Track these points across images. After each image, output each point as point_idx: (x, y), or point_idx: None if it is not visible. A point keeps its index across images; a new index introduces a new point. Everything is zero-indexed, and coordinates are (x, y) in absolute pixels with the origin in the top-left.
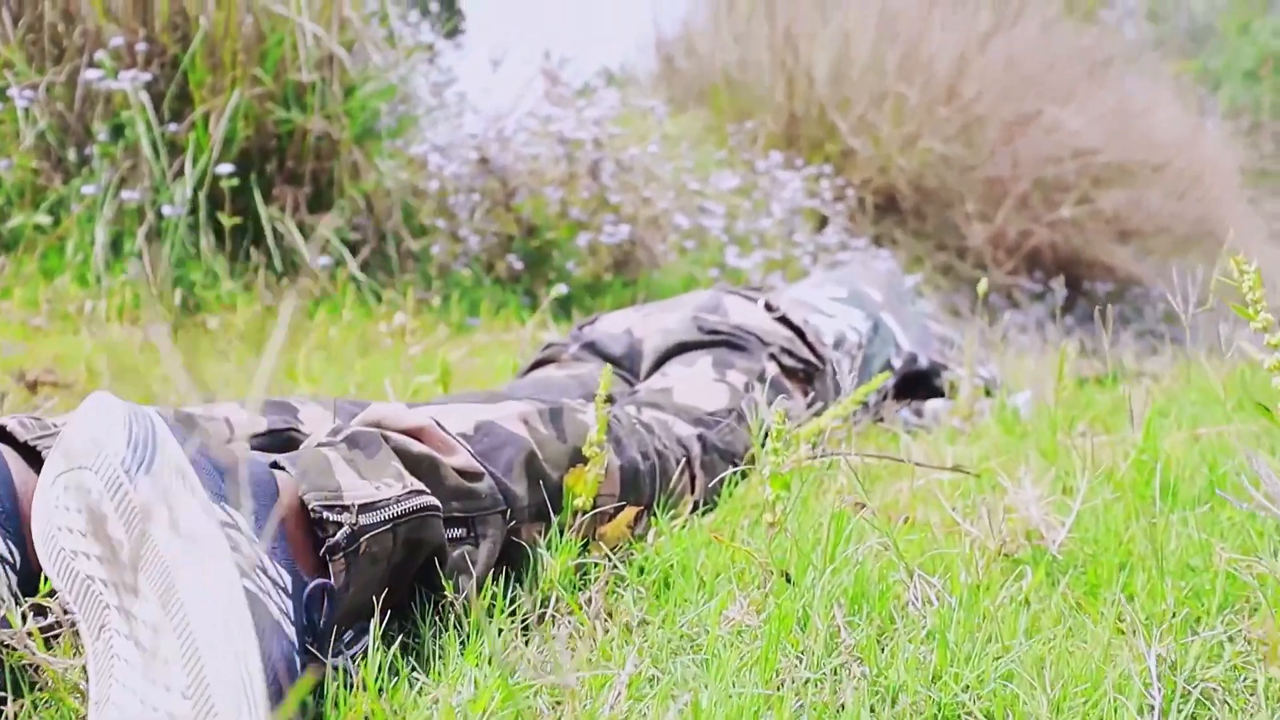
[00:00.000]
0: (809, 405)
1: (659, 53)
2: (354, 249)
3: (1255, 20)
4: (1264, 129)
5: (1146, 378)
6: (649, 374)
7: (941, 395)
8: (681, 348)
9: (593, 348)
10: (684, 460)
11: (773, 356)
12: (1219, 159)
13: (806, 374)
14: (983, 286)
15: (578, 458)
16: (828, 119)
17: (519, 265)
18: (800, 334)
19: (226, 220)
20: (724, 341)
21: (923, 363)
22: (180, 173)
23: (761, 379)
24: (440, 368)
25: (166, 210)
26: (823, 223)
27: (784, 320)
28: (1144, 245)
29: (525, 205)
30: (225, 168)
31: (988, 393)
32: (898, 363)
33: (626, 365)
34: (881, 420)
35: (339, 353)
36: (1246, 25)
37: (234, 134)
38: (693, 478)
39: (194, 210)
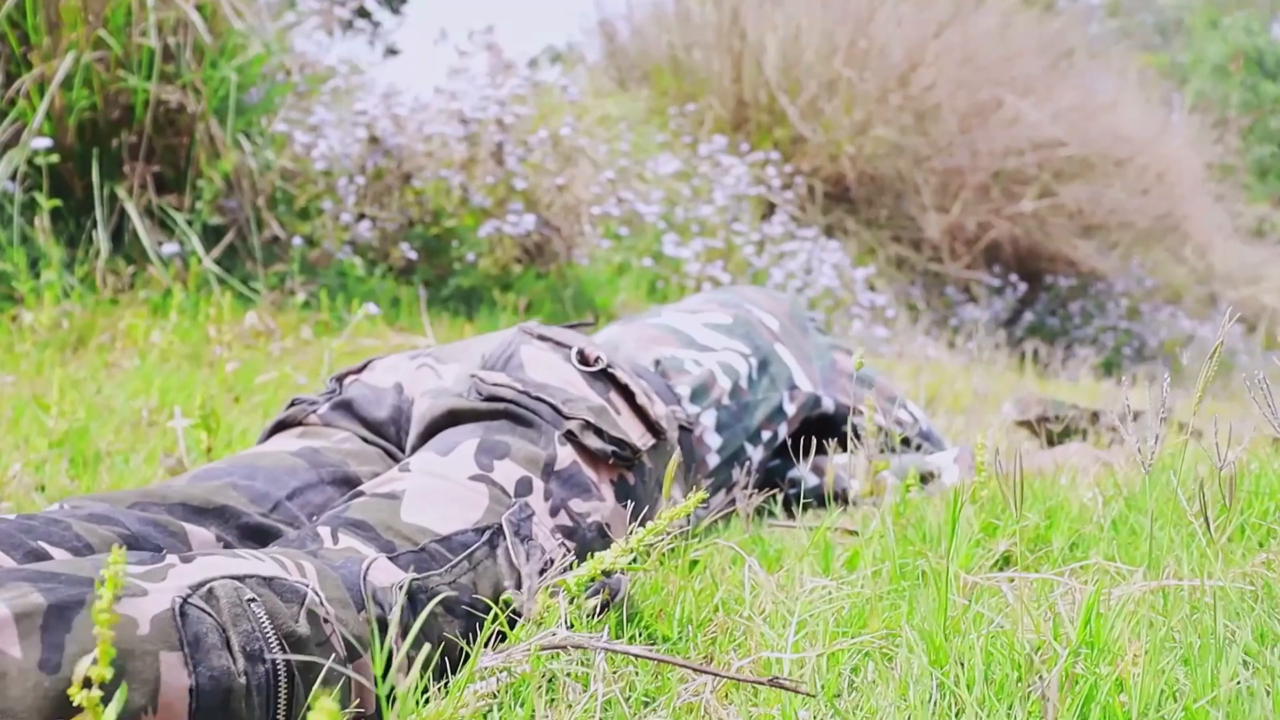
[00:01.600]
0: (627, 501)
1: (602, 31)
2: (218, 235)
3: (1225, 16)
4: (1230, 124)
5: (1106, 435)
6: (415, 449)
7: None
8: (452, 417)
9: (349, 409)
10: (354, 641)
11: (570, 436)
12: (1184, 154)
13: (624, 458)
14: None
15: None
16: (777, 104)
17: (413, 255)
18: (628, 395)
19: (44, 201)
20: (505, 412)
21: (827, 405)
22: (9, 145)
23: (549, 471)
24: (203, 416)
25: None
26: (769, 211)
27: (607, 376)
28: (1107, 239)
29: (425, 190)
30: (42, 142)
31: (905, 442)
32: (791, 408)
33: (392, 432)
34: (775, 488)
35: (148, 367)
36: (1216, 20)
37: (72, 103)
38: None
39: (32, 189)
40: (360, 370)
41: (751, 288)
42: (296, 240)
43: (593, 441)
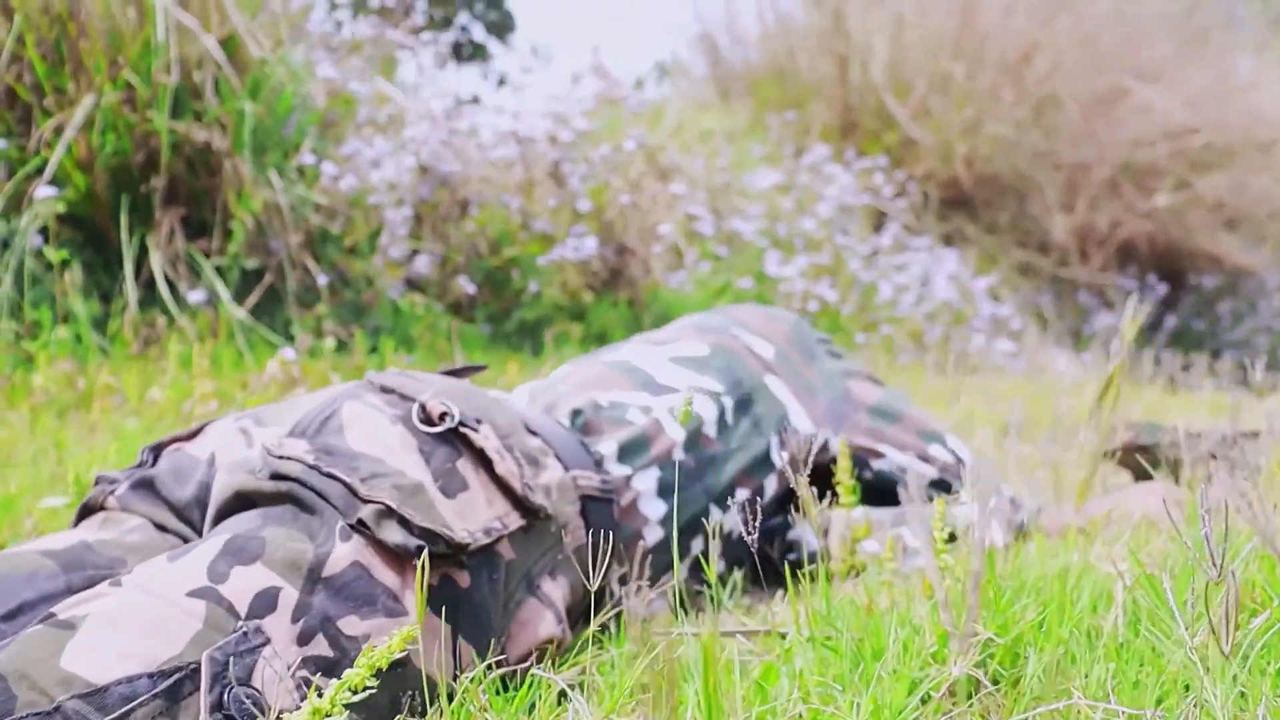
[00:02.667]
0: (455, 612)
1: (702, 43)
2: (257, 280)
3: None
4: None
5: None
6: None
7: (893, 495)
8: (239, 500)
9: (150, 488)
10: None
11: (361, 526)
12: None
13: (443, 554)
14: None
15: None
16: (885, 107)
17: (471, 288)
18: (486, 462)
19: (53, 255)
20: (289, 494)
21: (835, 448)
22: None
23: (314, 578)
24: (79, 492)
25: None
26: (879, 222)
27: (458, 437)
28: (1255, 232)
29: (483, 218)
30: (48, 190)
31: (940, 486)
32: (781, 456)
33: (197, 516)
34: (747, 562)
35: (127, 430)
36: None
37: (98, 148)
38: None
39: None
40: (190, 436)
41: (747, 308)
42: (322, 279)
43: (392, 534)
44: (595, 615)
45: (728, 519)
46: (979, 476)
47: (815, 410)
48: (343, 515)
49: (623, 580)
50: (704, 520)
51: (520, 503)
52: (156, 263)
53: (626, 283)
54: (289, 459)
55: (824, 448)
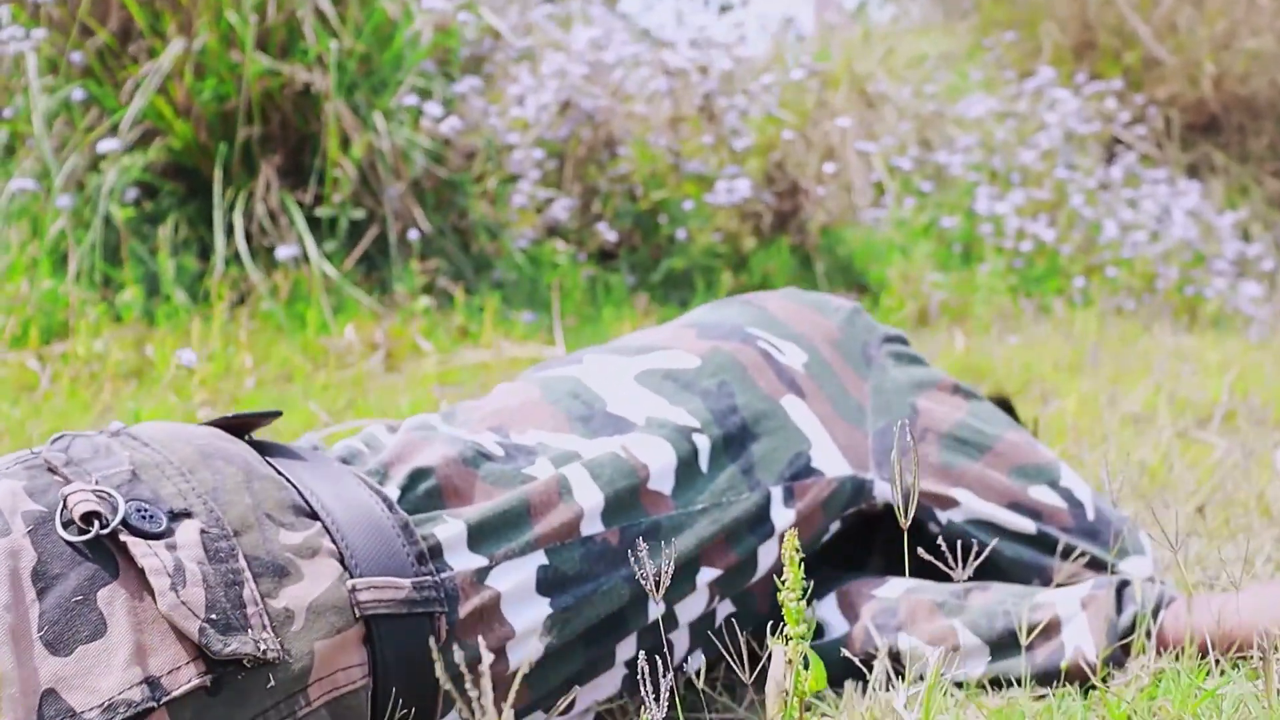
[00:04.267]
0: None
1: None
2: (359, 233)
3: None
4: None
5: None
6: None
7: (941, 562)
8: None
9: None
10: None
11: None
12: None
13: None
14: None
15: None
16: (1126, 24)
17: (612, 236)
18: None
19: (118, 212)
20: None
21: (882, 494)
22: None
23: None
24: None
25: (60, 202)
26: (1109, 153)
27: (118, 546)
28: None
29: (630, 158)
30: (110, 144)
31: (1041, 545)
32: (785, 512)
33: None
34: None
35: (148, 407)
36: None
37: (198, 92)
38: None
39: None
40: None
41: (785, 295)
42: (412, 232)
43: None
44: None
45: (692, 607)
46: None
47: (857, 442)
48: None
49: None
50: (620, 626)
51: (202, 649)
52: (238, 219)
53: (797, 227)
54: None
55: (859, 493)
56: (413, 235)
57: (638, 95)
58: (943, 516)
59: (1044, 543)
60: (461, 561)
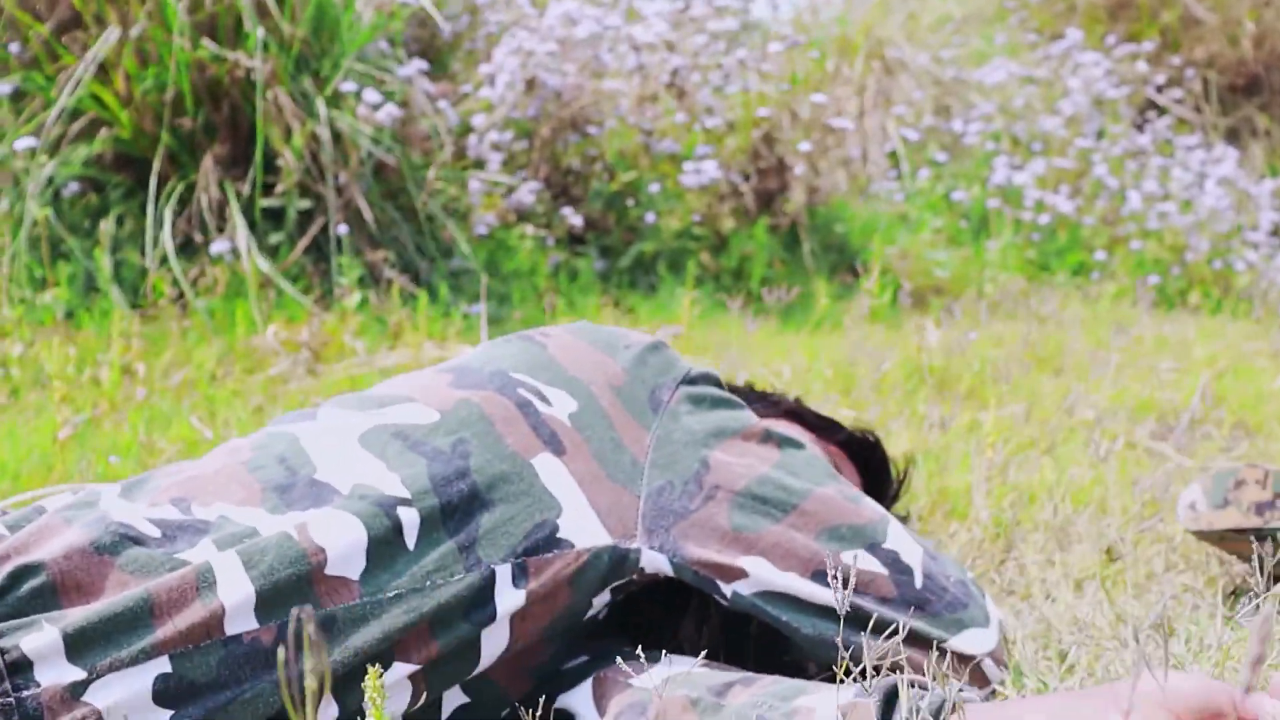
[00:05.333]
0: None
1: None
2: (308, 225)
3: None
4: None
5: None
6: None
7: (722, 647)
8: None
9: None
10: None
11: None
12: None
13: None
14: None
15: None
16: None
17: (577, 220)
18: None
19: (38, 212)
20: None
21: (652, 564)
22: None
23: None
24: None
25: None
26: (1140, 119)
27: None
28: None
29: (600, 139)
30: (25, 142)
31: (857, 624)
32: (513, 593)
33: None
34: None
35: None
36: None
37: (143, 79)
38: None
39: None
40: None
41: (572, 333)
42: (340, 229)
43: None
44: None
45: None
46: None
47: (624, 505)
48: None
49: None
50: None
51: None
52: (168, 214)
53: (783, 206)
54: None
55: (623, 564)
56: (342, 230)
57: (608, 72)
58: (727, 589)
59: (853, 617)
60: (53, 676)
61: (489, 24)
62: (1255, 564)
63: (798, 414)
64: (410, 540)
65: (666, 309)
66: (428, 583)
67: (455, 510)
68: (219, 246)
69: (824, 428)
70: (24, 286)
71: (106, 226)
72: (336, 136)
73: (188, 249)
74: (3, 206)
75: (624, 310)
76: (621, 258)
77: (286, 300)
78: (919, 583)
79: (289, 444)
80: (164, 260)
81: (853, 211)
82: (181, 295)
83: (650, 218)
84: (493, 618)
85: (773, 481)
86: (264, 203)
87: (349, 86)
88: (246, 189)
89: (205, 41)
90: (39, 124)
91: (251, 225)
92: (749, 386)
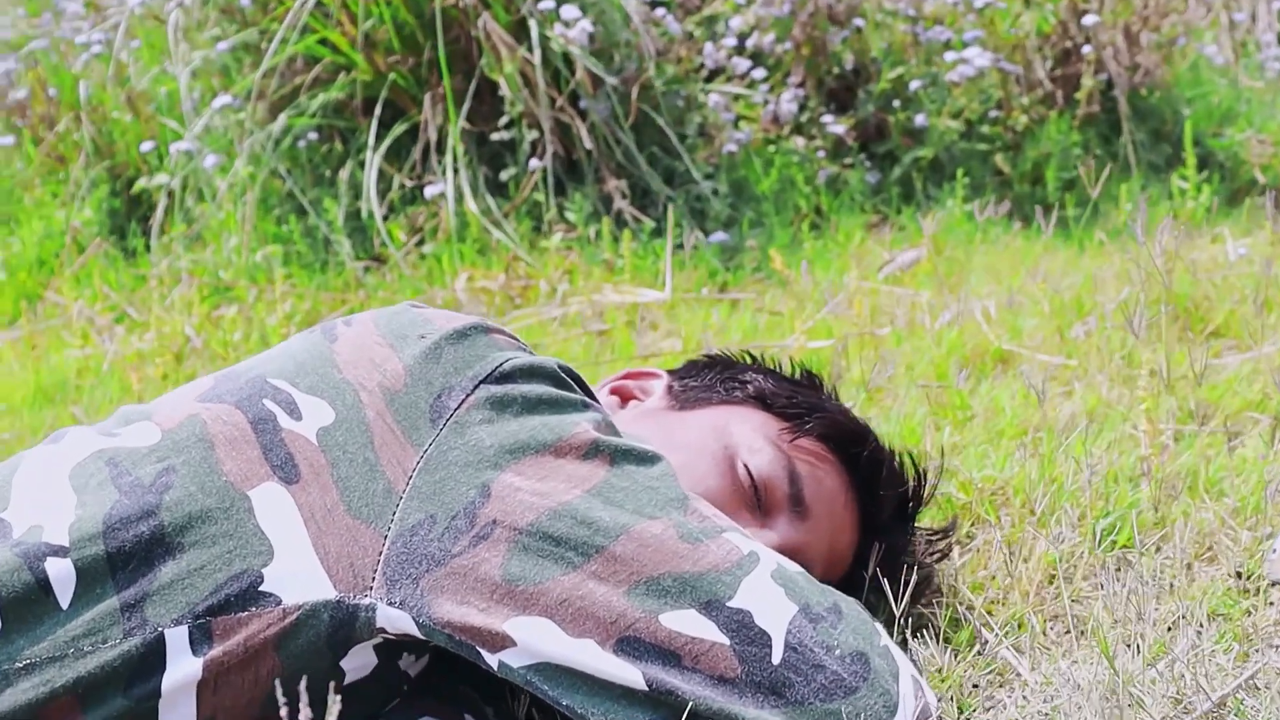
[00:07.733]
0: None
1: None
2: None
3: None
4: None
5: None
6: None
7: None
8: None
9: None
10: None
11: None
12: None
13: None
14: None
15: None
16: None
17: (839, 129)
18: None
19: (245, 170)
20: None
21: (392, 621)
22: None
23: None
24: None
25: (206, 162)
26: None
27: None
28: None
29: (865, 37)
30: (224, 99)
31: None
32: (190, 664)
33: None
34: None
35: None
36: None
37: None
38: None
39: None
40: None
41: (373, 320)
42: (535, 161)
43: None
44: None
45: None
46: None
47: (362, 548)
48: None
49: None
50: None
51: None
52: (369, 164)
53: (1099, 91)
54: None
55: (355, 623)
56: (534, 163)
57: None
58: (492, 659)
59: (668, 705)
60: None
61: None
62: None
63: (764, 399)
64: (64, 597)
65: (944, 225)
66: (71, 650)
67: (130, 559)
68: (432, 189)
69: (795, 416)
70: (253, 247)
71: (345, 174)
72: (550, 61)
73: (409, 195)
74: (241, 164)
75: (896, 229)
76: (895, 168)
77: (500, 245)
78: (778, 656)
79: (7, 474)
80: (393, 208)
81: (1211, 86)
82: (409, 240)
83: (921, 120)
84: (157, 693)
85: (574, 515)
86: (493, 137)
87: (570, 11)
88: (463, 123)
89: None
90: (268, 72)
91: (469, 164)
92: (745, 357)
